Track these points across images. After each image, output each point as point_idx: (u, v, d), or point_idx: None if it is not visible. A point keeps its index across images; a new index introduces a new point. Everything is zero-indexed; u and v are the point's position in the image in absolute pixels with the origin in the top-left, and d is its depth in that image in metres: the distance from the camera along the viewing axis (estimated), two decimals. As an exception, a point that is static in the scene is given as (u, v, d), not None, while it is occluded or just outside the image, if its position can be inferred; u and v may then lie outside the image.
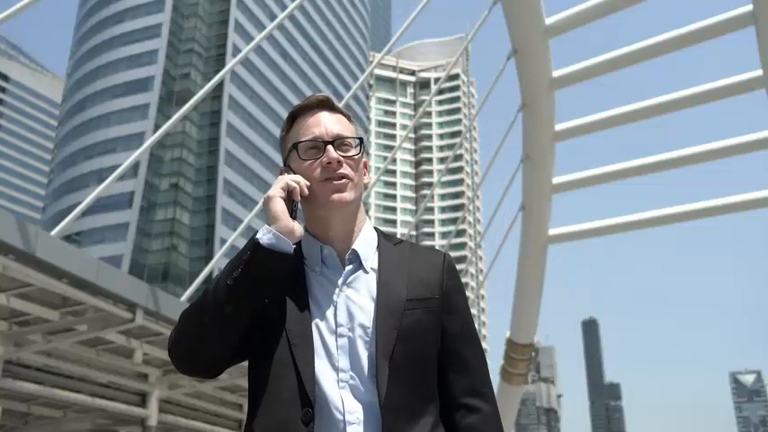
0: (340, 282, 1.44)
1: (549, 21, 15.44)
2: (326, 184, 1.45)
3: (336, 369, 1.37)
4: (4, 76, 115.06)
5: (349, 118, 1.55)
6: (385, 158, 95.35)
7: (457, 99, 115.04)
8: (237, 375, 14.61)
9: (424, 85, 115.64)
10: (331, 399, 1.34)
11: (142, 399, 14.13)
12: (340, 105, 1.57)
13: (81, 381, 13.29)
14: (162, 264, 52.97)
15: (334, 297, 1.43)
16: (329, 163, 1.45)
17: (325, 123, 1.50)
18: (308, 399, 1.34)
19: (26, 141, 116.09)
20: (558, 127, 17.27)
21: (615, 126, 17.24)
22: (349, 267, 1.46)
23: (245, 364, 1.49)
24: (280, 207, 1.40)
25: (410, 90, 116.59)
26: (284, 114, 66.94)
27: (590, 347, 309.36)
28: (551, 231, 18.77)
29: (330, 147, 1.47)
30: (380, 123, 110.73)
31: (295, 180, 1.44)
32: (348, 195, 1.45)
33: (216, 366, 1.46)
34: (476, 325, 1.59)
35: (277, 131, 65.32)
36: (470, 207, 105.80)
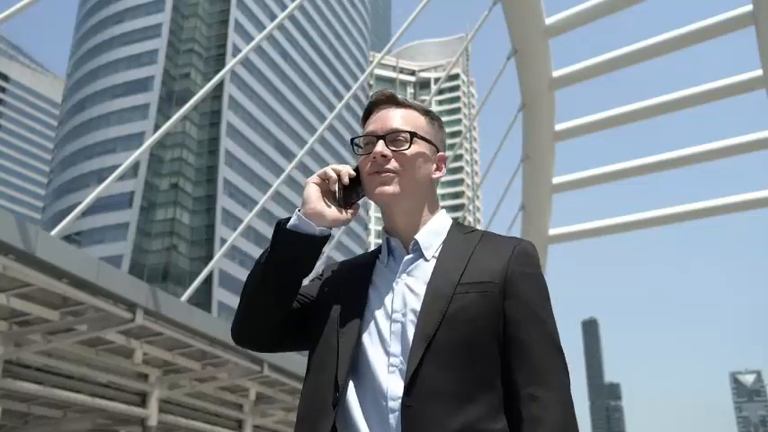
0: (399, 270, 1.48)
1: (549, 21, 15.46)
2: (373, 177, 1.49)
3: (388, 354, 1.39)
4: (4, 76, 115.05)
5: (424, 112, 1.56)
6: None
7: (457, 99, 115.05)
8: (237, 375, 14.61)
9: (424, 85, 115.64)
10: (378, 384, 1.36)
11: (142, 399, 14.11)
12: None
13: (81, 381, 13.27)
14: (162, 264, 52.95)
15: (394, 285, 1.46)
16: (375, 157, 1.49)
17: (384, 119, 1.53)
18: (338, 384, 1.38)
19: (26, 141, 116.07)
20: (558, 127, 17.29)
21: (615, 126, 17.26)
22: (408, 256, 1.49)
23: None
24: (311, 191, 1.48)
25: (410, 90, 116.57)
26: (284, 114, 67.08)
27: (590, 347, 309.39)
28: (551, 231, 18.78)
29: (381, 141, 1.50)
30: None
31: (335, 169, 1.51)
32: (390, 189, 1.47)
33: (264, 340, 1.55)
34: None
35: (277, 131, 65.47)
36: (470, 207, 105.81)
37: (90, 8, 63.60)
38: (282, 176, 14.60)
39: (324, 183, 1.50)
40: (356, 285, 1.50)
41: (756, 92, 15.55)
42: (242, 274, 54.56)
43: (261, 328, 1.52)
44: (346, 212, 1.50)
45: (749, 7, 14.07)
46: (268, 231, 59.72)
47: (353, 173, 1.52)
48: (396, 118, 1.52)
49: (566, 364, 1.41)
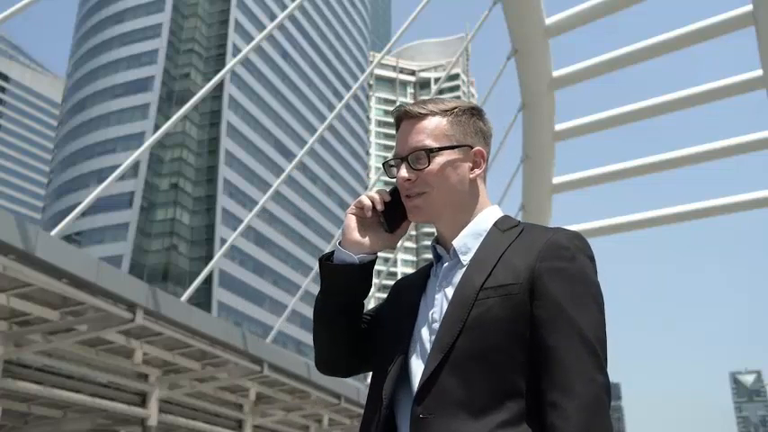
0: (440, 278, 1.46)
1: (549, 21, 15.46)
2: (405, 201, 1.49)
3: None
4: (4, 76, 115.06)
5: (444, 111, 1.50)
6: (385, 158, 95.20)
7: (457, 99, 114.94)
8: (237, 375, 14.61)
9: (424, 85, 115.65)
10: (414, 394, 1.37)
11: (142, 399, 14.10)
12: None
13: (81, 381, 13.27)
14: (162, 264, 52.95)
15: (436, 294, 1.45)
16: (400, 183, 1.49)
17: (403, 138, 1.50)
18: (382, 398, 1.38)
19: (26, 141, 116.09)
20: (558, 127, 17.30)
21: (615, 126, 17.26)
22: (446, 264, 1.47)
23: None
24: (348, 222, 1.50)
25: (410, 90, 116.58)
26: (284, 114, 67.09)
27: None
28: (551, 231, 18.77)
29: (403, 165, 1.48)
30: (380, 123, 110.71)
31: (370, 196, 1.50)
32: (421, 212, 1.47)
33: (342, 366, 1.59)
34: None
35: (277, 131, 65.47)
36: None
37: (90, 8, 63.63)
38: (282, 176, 14.61)
39: (361, 211, 1.49)
40: (411, 298, 1.50)
41: (756, 92, 15.55)
42: (242, 274, 54.58)
43: (335, 354, 1.57)
44: (389, 234, 1.51)
45: (749, 7, 14.06)
46: (268, 231, 59.81)
47: (388, 197, 1.50)
48: (414, 134, 1.47)
49: (600, 366, 1.28)
